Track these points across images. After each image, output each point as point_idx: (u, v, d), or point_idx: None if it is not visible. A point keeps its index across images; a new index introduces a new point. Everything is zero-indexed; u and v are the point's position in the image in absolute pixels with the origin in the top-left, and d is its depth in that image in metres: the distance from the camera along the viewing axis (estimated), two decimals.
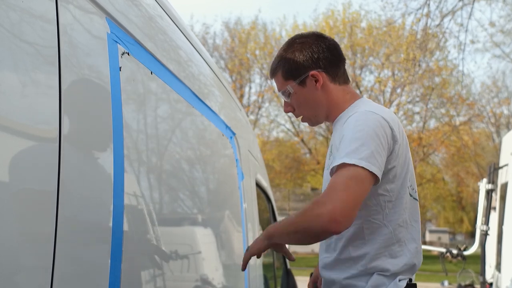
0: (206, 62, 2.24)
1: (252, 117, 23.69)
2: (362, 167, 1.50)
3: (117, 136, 1.28)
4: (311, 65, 1.76)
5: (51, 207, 1.00)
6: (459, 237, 40.77)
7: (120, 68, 1.35)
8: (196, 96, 1.94)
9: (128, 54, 1.41)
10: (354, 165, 1.50)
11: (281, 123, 24.05)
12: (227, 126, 2.36)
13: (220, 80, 2.49)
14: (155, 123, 1.59)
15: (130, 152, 1.36)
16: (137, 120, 1.45)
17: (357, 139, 1.55)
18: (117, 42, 1.35)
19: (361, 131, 1.57)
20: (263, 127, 24.31)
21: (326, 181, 1.74)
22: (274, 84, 1.92)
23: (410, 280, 1.69)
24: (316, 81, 1.76)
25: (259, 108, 23.76)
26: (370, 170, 1.51)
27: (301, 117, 1.84)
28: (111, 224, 1.21)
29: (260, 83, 23.75)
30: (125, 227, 1.27)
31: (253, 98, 23.83)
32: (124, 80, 1.36)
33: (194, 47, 2.06)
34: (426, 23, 9.94)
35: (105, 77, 1.27)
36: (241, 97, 23.20)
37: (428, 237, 42.64)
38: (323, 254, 1.78)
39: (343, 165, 1.51)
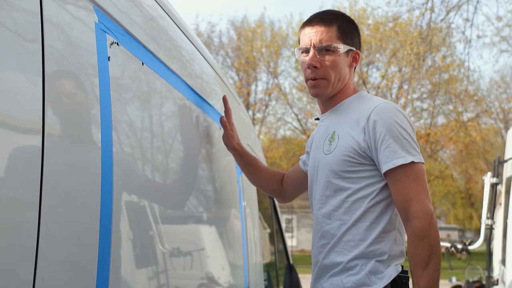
0: (202, 54, 2.21)
1: (259, 115, 23.65)
2: (423, 162, 1.73)
3: (105, 128, 1.26)
4: (358, 46, 1.91)
5: (33, 204, 0.97)
6: (469, 234, 40.55)
7: (108, 58, 1.32)
8: (191, 89, 1.92)
9: (118, 44, 1.38)
10: (419, 162, 1.70)
11: (288, 121, 24.01)
12: None
13: (218, 73, 2.46)
14: (147, 115, 1.56)
15: (119, 146, 1.33)
16: (127, 112, 1.42)
17: (408, 133, 1.72)
18: (105, 31, 1.33)
19: (406, 125, 1.73)
20: (270, 125, 24.26)
21: (326, 166, 1.80)
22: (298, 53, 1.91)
23: (402, 266, 1.75)
24: (354, 60, 1.89)
25: (266, 106, 23.72)
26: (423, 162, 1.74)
27: (318, 79, 1.84)
28: (98, 222, 1.18)
29: (266, 81, 23.73)
30: (114, 224, 1.24)
31: (260, 96, 23.80)
32: (113, 71, 1.33)
33: (188, 38, 2.03)
34: (430, 17, 9.88)
35: (93, 67, 1.25)
36: (247, 95, 23.16)
37: None
38: (320, 242, 1.82)
39: (412, 164, 1.68)
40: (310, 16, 1.89)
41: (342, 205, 1.75)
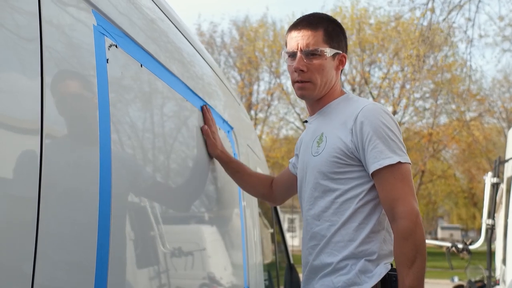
0: (202, 56, 2.22)
1: (261, 115, 23.67)
2: (409, 163, 1.75)
3: (104, 129, 1.26)
4: (344, 49, 1.92)
5: (32, 204, 0.98)
6: (472, 234, 40.54)
7: (107, 60, 1.34)
8: (191, 90, 1.93)
9: (116, 47, 1.40)
10: (406, 162, 1.72)
11: (290, 121, 24.03)
12: (224, 121, 2.35)
13: (218, 74, 2.47)
14: (146, 117, 1.57)
15: (117, 148, 1.34)
16: (126, 113, 1.44)
17: (394, 134, 1.74)
18: (104, 34, 1.34)
19: (393, 126, 1.75)
20: (272, 125, 24.28)
21: (314, 168, 1.82)
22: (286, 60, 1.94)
23: (391, 265, 1.78)
24: (340, 63, 1.91)
25: (268, 106, 23.74)
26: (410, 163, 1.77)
27: (304, 82, 1.86)
28: (97, 222, 1.19)
29: (269, 81, 23.75)
30: (112, 224, 1.25)
31: (262, 96, 23.83)
32: (111, 72, 1.35)
33: (188, 40, 2.04)
34: (431, 18, 9.89)
35: (91, 69, 1.26)
36: (250, 95, 23.19)
37: (440, 233, 42.37)
38: (310, 243, 1.84)
39: (399, 164, 1.71)
40: (297, 20, 1.90)
41: (331, 206, 1.77)
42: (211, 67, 2.35)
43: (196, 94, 1.98)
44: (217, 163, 2.16)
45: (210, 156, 2.11)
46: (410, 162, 1.76)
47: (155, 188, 1.59)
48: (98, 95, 1.26)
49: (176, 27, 1.93)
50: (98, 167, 1.22)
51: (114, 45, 1.38)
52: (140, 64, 1.52)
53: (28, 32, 1.04)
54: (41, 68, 1.06)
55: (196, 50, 2.15)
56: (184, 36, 2.01)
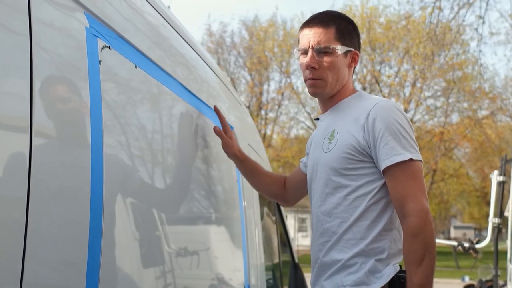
0: (199, 55, 2.22)
1: (271, 114, 23.68)
2: (421, 160, 1.75)
3: (96, 130, 1.27)
4: (357, 47, 1.93)
5: (21, 204, 1.00)
6: (485, 233, 40.09)
7: (99, 61, 1.35)
8: (188, 90, 1.93)
9: (109, 48, 1.41)
10: (417, 160, 1.72)
11: (300, 120, 24.01)
12: None
13: (216, 73, 2.47)
14: (141, 117, 1.58)
15: (110, 148, 1.34)
16: (119, 114, 1.45)
17: (406, 131, 1.74)
18: (96, 36, 1.35)
19: (405, 123, 1.76)
20: (283, 124, 24.28)
21: (326, 164, 1.82)
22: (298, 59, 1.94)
23: (400, 266, 1.77)
24: (353, 60, 1.91)
25: (279, 105, 23.74)
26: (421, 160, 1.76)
27: (316, 80, 1.86)
28: (88, 221, 1.20)
29: (279, 80, 23.75)
30: (104, 224, 1.26)
31: (272, 95, 23.83)
32: (104, 74, 1.35)
33: (184, 39, 2.04)
34: (438, 16, 9.84)
35: (83, 71, 1.27)
36: (260, 94, 23.20)
37: (453, 233, 42.06)
38: (320, 239, 1.84)
39: (410, 161, 1.71)
40: (309, 18, 1.92)
41: (342, 202, 1.77)
42: (209, 66, 2.35)
43: (193, 94, 1.99)
44: (214, 163, 2.17)
45: (206, 155, 2.12)
46: (421, 159, 1.75)
47: (148, 188, 1.60)
48: (90, 96, 1.28)
49: (172, 27, 1.93)
50: (89, 167, 1.23)
51: (107, 46, 1.39)
52: (134, 65, 1.53)
53: (18, 34, 1.05)
54: (31, 69, 1.07)
55: (194, 50, 2.16)
56: (181, 36, 2.01)
